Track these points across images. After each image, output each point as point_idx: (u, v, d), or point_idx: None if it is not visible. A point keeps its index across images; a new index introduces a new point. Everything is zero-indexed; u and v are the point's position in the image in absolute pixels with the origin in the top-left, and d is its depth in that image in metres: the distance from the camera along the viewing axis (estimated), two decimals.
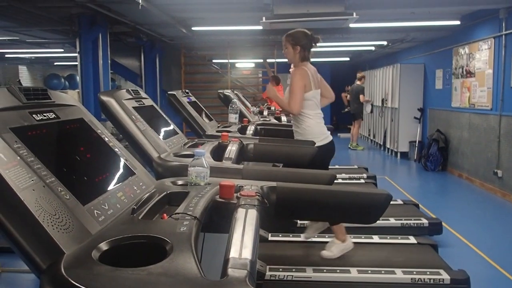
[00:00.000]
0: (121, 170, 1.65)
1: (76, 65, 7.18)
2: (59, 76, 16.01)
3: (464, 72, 7.45)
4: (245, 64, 13.26)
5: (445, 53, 8.26)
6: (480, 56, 6.90)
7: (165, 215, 1.39)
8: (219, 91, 5.79)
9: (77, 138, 1.58)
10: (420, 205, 5.03)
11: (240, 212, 1.37)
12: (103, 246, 1.15)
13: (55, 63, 15.53)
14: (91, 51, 6.89)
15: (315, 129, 3.28)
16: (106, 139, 1.72)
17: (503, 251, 4.23)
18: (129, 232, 1.23)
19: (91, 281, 0.99)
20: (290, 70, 6.46)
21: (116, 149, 1.73)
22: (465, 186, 7.14)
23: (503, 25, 6.19)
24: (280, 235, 3.79)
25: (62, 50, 10.86)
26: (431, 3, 6.03)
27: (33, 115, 1.39)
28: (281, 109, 6.77)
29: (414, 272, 3.01)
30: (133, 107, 2.51)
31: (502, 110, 6.26)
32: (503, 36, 6.20)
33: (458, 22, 7.14)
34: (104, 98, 2.40)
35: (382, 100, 10.76)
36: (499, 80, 6.34)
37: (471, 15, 6.90)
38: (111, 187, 1.49)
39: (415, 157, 9.18)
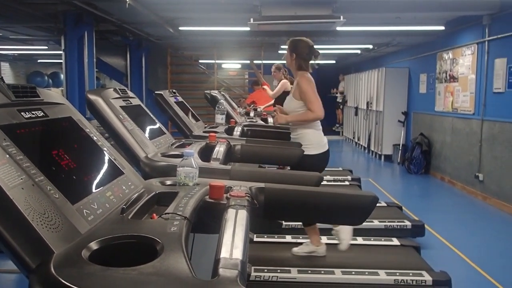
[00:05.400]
0: (109, 170, 1.64)
1: (60, 62, 7.09)
2: (42, 73, 15.80)
3: (448, 77, 7.57)
4: (232, 65, 13.26)
5: (430, 57, 8.39)
6: (464, 61, 7.02)
7: (154, 215, 1.39)
8: (205, 91, 5.78)
9: (66, 136, 1.57)
10: (403, 208, 5.10)
11: (231, 212, 1.37)
12: (93, 245, 1.14)
13: (39, 61, 15.31)
14: (76, 49, 6.81)
15: (311, 137, 3.28)
16: (95, 138, 1.72)
17: (484, 253, 4.31)
18: (119, 231, 1.23)
19: (81, 281, 0.99)
20: (273, 74, 6.50)
21: (105, 148, 1.72)
22: (447, 189, 7.25)
23: (486, 31, 6.32)
24: (265, 236, 3.81)
25: (46, 47, 10.72)
26: (416, 8, 6.12)
27: (22, 113, 1.38)
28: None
29: (397, 274, 3.05)
30: (120, 106, 2.49)
31: (484, 115, 6.39)
32: (486, 42, 6.33)
33: (442, 28, 7.27)
34: (92, 96, 2.38)
35: (367, 103, 10.87)
36: (481, 85, 6.47)
37: (455, 21, 7.02)
38: (100, 186, 1.48)
39: (398, 160, 9.29)
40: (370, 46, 10.23)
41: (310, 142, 3.26)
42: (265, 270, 3.08)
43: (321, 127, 3.39)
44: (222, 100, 4.80)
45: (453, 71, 7.40)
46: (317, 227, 3.28)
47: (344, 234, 3.24)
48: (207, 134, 3.17)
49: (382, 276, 3.06)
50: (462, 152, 7.06)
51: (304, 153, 3.16)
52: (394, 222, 4.33)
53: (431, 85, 8.35)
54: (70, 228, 1.18)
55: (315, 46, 3.36)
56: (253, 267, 3.10)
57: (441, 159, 7.85)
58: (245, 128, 4.16)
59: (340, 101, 14.14)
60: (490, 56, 6.25)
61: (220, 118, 4.37)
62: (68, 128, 1.62)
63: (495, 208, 5.91)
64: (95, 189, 1.45)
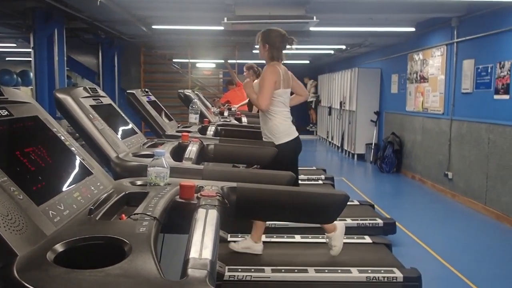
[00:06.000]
0: (77, 170, 1.61)
1: (29, 60, 6.92)
2: (11, 72, 15.33)
3: (418, 78, 7.73)
4: (206, 64, 13.20)
5: (401, 58, 8.54)
6: (433, 62, 7.18)
7: (123, 215, 1.37)
8: (179, 91, 5.74)
9: (32, 136, 1.53)
10: (375, 206, 5.18)
11: (201, 212, 1.36)
12: (59, 247, 1.12)
13: (7, 58, 14.91)
14: (46, 47, 6.65)
15: (281, 127, 3.32)
16: (62, 137, 1.68)
17: (453, 249, 4.42)
18: (86, 233, 1.20)
19: (45, 283, 0.96)
20: (245, 73, 6.51)
21: (73, 148, 1.69)
22: (417, 187, 7.40)
23: (455, 33, 6.47)
24: (239, 236, 3.80)
25: (15, 45, 10.45)
26: (388, 9, 6.23)
27: None
28: (248, 109, 6.78)
29: (369, 271, 3.09)
30: (90, 106, 2.45)
31: (453, 115, 6.54)
32: (455, 44, 6.49)
33: (413, 29, 7.41)
34: (60, 95, 2.33)
35: (341, 103, 11.00)
36: (450, 85, 6.62)
37: (425, 23, 7.17)
38: (67, 187, 1.45)
39: (371, 159, 9.43)
40: (343, 47, 10.35)
41: (278, 131, 3.31)
42: (239, 270, 3.08)
43: (290, 116, 3.43)
44: (195, 100, 4.77)
45: (423, 72, 7.56)
46: (264, 227, 3.34)
47: (336, 241, 3.30)
48: (180, 134, 3.14)
49: (355, 273, 3.10)
50: (432, 151, 7.22)
51: (276, 143, 3.22)
52: (366, 220, 4.39)
53: (402, 85, 8.51)
54: (35, 230, 1.15)
55: (289, 46, 3.38)
56: (227, 267, 3.09)
57: (412, 158, 8.01)
58: (219, 128, 4.14)
59: (313, 100, 14.25)
60: (459, 57, 6.41)
61: (193, 118, 4.34)
62: (34, 128, 1.57)
63: (463, 205, 6.07)
64: (62, 190, 1.41)
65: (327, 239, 3.31)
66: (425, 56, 7.50)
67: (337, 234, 3.27)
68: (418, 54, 7.78)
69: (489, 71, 5.63)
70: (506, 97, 5.26)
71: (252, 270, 3.09)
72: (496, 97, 5.46)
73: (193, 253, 1.09)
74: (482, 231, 5.11)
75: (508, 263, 4.12)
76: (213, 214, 1.35)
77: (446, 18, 6.52)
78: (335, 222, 3.21)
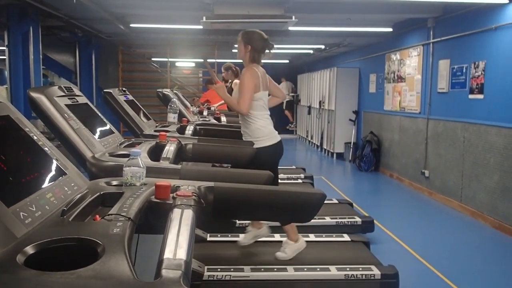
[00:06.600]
0: (50, 170, 1.58)
1: (4, 59, 6.77)
2: None
3: (396, 77, 7.84)
4: (186, 63, 13.12)
5: (379, 58, 8.64)
6: (410, 62, 7.29)
7: (97, 216, 1.35)
8: (158, 90, 5.69)
9: (3, 136, 1.50)
10: (354, 204, 5.23)
11: (176, 212, 1.35)
12: (29, 249, 1.09)
13: None
14: (21, 45, 6.51)
15: (263, 130, 3.31)
16: (35, 137, 1.64)
17: (429, 246, 4.50)
18: (58, 234, 1.18)
19: (15, 286, 0.94)
20: (223, 74, 6.50)
21: (46, 148, 1.65)
22: (395, 186, 7.51)
23: (431, 33, 6.58)
24: (219, 235, 3.79)
25: None
26: (366, 10, 6.29)
27: None
28: (228, 109, 6.76)
29: (348, 269, 3.12)
30: (65, 105, 2.40)
31: (429, 114, 6.65)
32: (431, 44, 6.60)
33: (390, 29, 7.51)
34: (34, 94, 2.28)
35: (320, 102, 11.07)
36: (427, 85, 6.73)
37: (402, 23, 7.27)
38: (39, 188, 1.42)
39: (350, 158, 9.52)
40: (322, 46, 10.42)
41: (263, 134, 3.30)
42: (219, 269, 3.07)
43: (270, 119, 3.43)
44: (174, 99, 4.73)
45: (400, 72, 7.66)
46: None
47: (289, 250, 3.33)
48: (158, 133, 3.11)
49: (333, 271, 3.12)
50: (409, 149, 7.33)
51: (260, 146, 3.21)
52: (345, 218, 4.43)
53: (380, 85, 8.61)
54: (5, 232, 1.12)
55: None
56: (206, 267, 3.08)
57: (390, 157, 8.12)
58: (198, 127, 4.12)
59: (287, 100, 14.19)
60: (435, 57, 6.52)
61: (172, 117, 4.31)
62: (5, 127, 1.54)
63: (440, 203, 6.18)
64: (34, 190, 1.38)
65: (284, 242, 3.35)
66: (402, 56, 7.61)
67: (294, 245, 3.30)
68: (395, 54, 7.88)
69: (464, 71, 5.74)
70: (481, 96, 5.38)
71: (232, 269, 3.09)
72: (471, 96, 5.57)
73: (168, 254, 1.08)
74: (458, 228, 5.22)
75: (483, 259, 4.22)
76: (188, 214, 1.34)
77: (423, 18, 6.63)
78: (299, 235, 3.31)
